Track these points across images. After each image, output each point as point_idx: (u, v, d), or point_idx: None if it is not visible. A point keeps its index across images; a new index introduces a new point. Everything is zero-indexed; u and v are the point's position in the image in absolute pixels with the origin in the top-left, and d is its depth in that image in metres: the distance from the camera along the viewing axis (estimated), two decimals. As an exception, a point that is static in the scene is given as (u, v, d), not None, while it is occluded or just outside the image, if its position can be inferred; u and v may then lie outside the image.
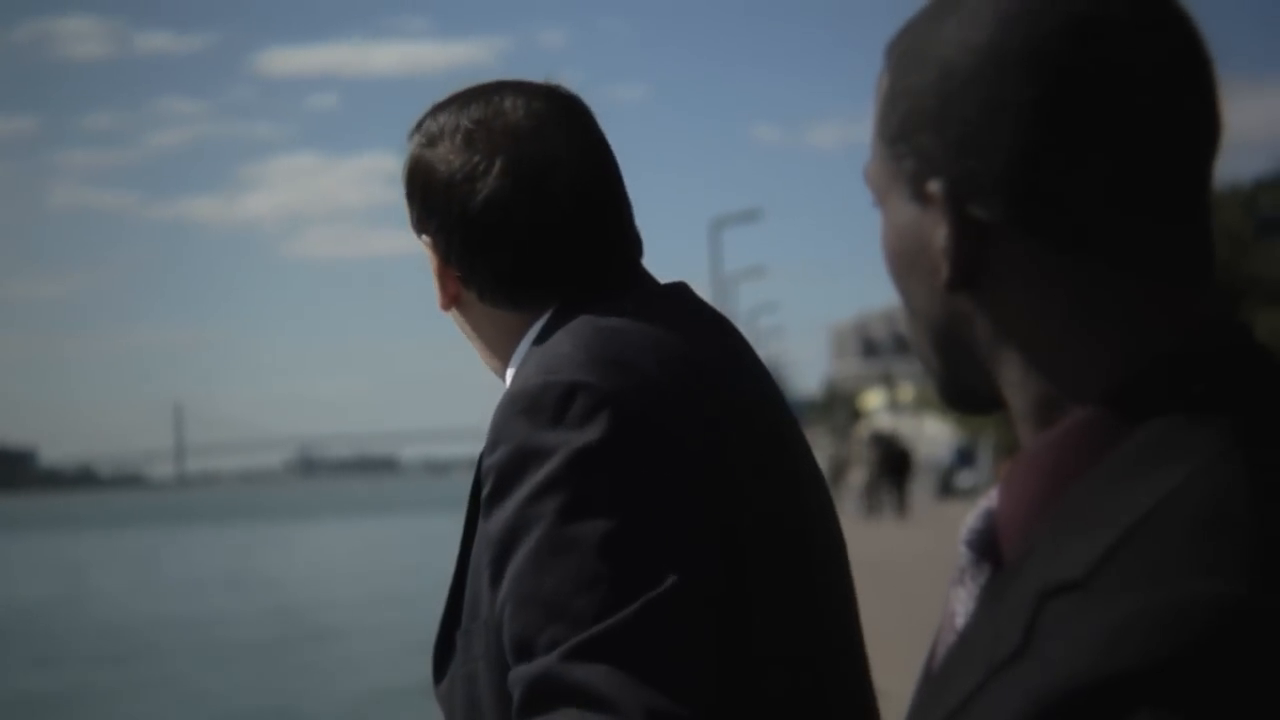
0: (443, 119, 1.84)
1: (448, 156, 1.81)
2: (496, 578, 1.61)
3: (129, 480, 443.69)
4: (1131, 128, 0.96)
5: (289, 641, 24.11)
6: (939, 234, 0.99)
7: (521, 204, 1.77)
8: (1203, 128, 0.99)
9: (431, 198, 1.82)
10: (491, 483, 1.63)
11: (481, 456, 1.68)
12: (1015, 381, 1.00)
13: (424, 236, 1.86)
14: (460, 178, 1.79)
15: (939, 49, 1.00)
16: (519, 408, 1.64)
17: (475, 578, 1.70)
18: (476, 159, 1.79)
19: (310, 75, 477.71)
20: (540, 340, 1.76)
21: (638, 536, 1.55)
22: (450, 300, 1.86)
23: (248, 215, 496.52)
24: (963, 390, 1.05)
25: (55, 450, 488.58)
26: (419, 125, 1.87)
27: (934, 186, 0.99)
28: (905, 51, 1.03)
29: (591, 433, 1.59)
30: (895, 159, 1.03)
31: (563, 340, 1.70)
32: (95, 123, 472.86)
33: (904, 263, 1.04)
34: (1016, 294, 0.98)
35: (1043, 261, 0.97)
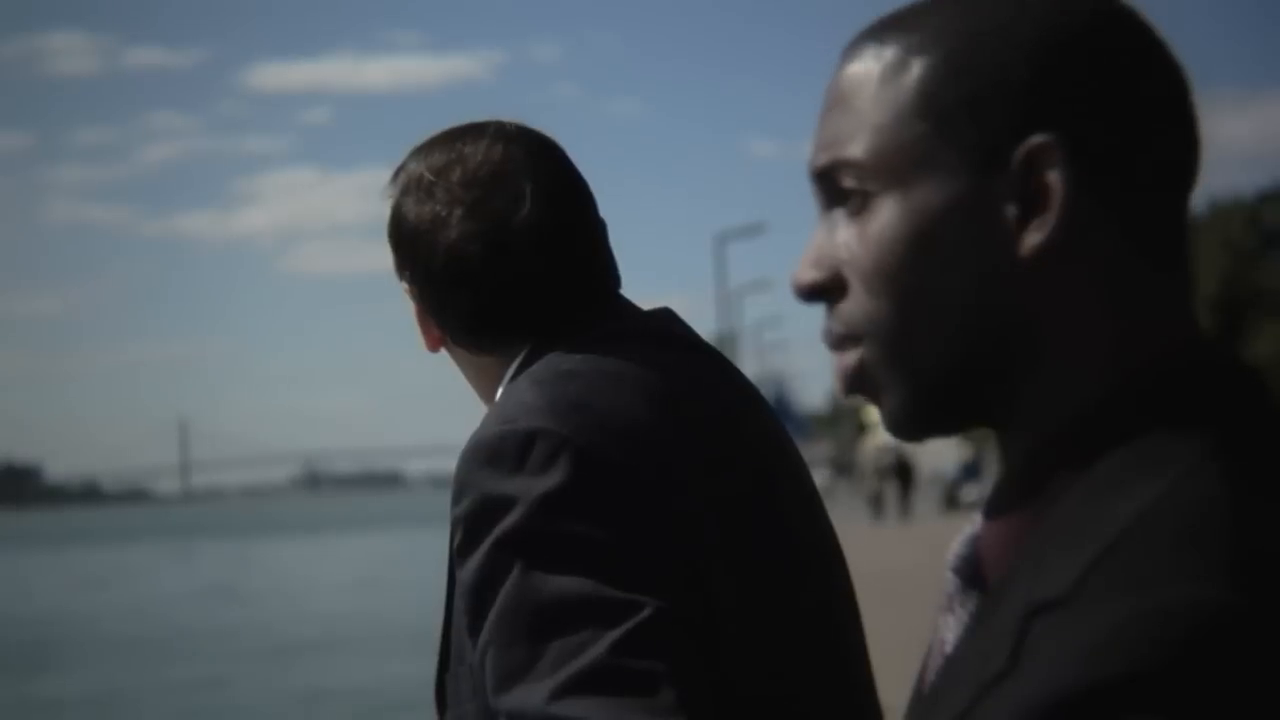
0: (412, 166, 1.87)
1: (414, 206, 1.85)
2: (474, 626, 1.64)
3: (134, 495, 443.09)
4: (1183, 109, 1.00)
5: (308, 651, 24.13)
6: (1009, 207, 0.96)
7: (478, 253, 1.80)
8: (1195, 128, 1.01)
9: (403, 246, 1.87)
10: (460, 534, 1.66)
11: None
12: (1046, 381, 0.98)
13: (402, 282, 1.90)
14: (424, 227, 1.83)
15: (1020, 29, 0.98)
16: (481, 458, 1.66)
17: (458, 623, 1.73)
18: (437, 209, 1.82)
19: (303, 90, 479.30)
20: (512, 382, 1.78)
21: (608, 572, 1.57)
22: (434, 343, 1.91)
23: (243, 230, 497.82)
24: (953, 399, 1.01)
25: (60, 466, 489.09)
26: (397, 170, 1.90)
27: (1038, 139, 0.96)
28: (958, 31, 1.00)
29: (552, 478, 1.62)
30: (944, 133, 0.98)
31: (523, 387, 1.72)
32: (87, 138, 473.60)
33: (936, 246, 0.98)
34: (1080, 277, 0.97)
35: (1114, 246, 0.97)
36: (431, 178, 1.83)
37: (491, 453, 1.66)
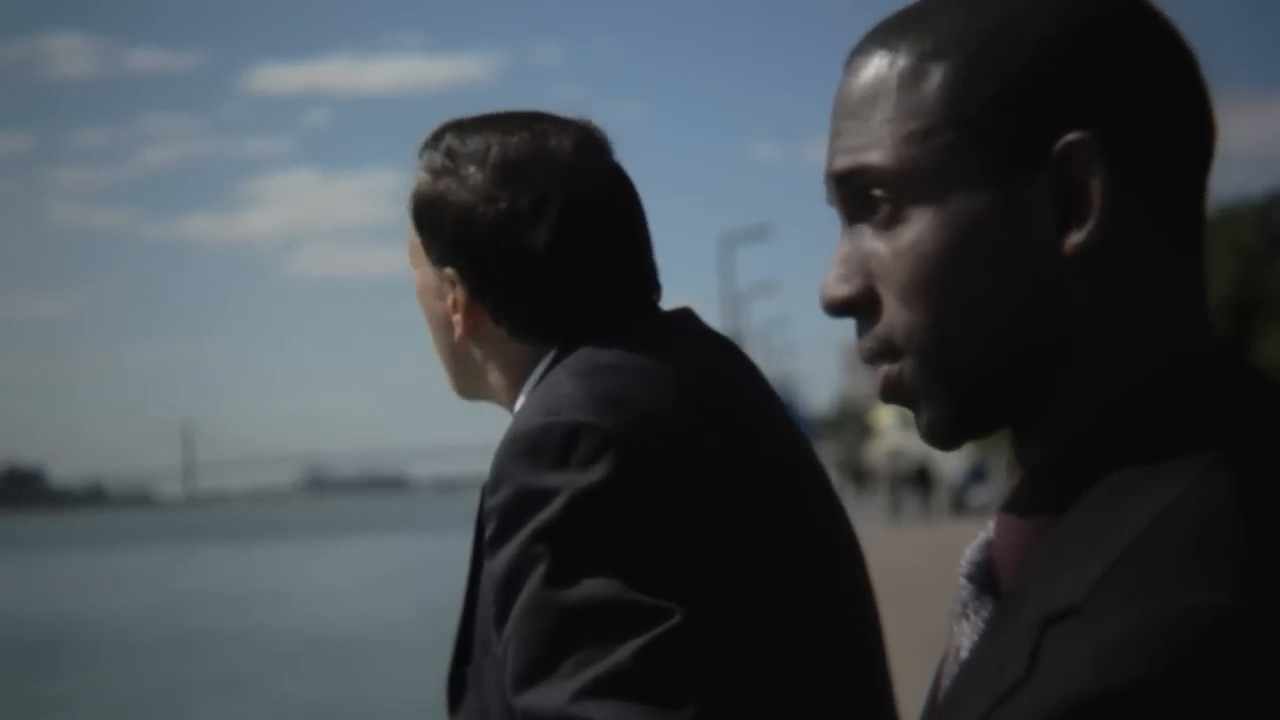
0: (473, 144, 1.81)
1: (491, 190, 1.78)
2: (501, 617, 1.62)
3: (138, 499, 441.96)
4: (1203, 102, 0.99)
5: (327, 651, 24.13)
6: (1047, 208, 0.95)
7: (573, 244, 1.76)
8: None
9: (468, 231, 1.79)
10: (495, 524, 1.64)
11: (483, 496, 1.68)
12: (1080, 382, 0.97)
13: (448, 269, 1.83)
14: (507, 213, 1.77)
15: (1036, 25, 0.96)
16: (521, 449, 1.64)
17: (485, 615, 1.71)
18: (529, 196, 1.77)
19: (303, 92, 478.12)
20: (548, 375, 1.75)
21: (640, 575, 1.56)
22: (469, 333, 1.84)
23: (246, 232, 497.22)
24: (993, 406, 0.99)
25: (64, 469, 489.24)
26: (440, 146, 1.84)
27: (1073, 136, 0.94)
28: (973, 33, 0.97)
29: (594, 474, 1.60)
30: (973, 140, 0.96)
31: (562, 380, 1.69)
32: (88, 140, 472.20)
33: (975, 256, 0.96)
34: (1119, 275, 0.96)
35: (1149, 241, 0.96)
36: (517, 158, 1.78)
37: (532, 444, 1.63)
